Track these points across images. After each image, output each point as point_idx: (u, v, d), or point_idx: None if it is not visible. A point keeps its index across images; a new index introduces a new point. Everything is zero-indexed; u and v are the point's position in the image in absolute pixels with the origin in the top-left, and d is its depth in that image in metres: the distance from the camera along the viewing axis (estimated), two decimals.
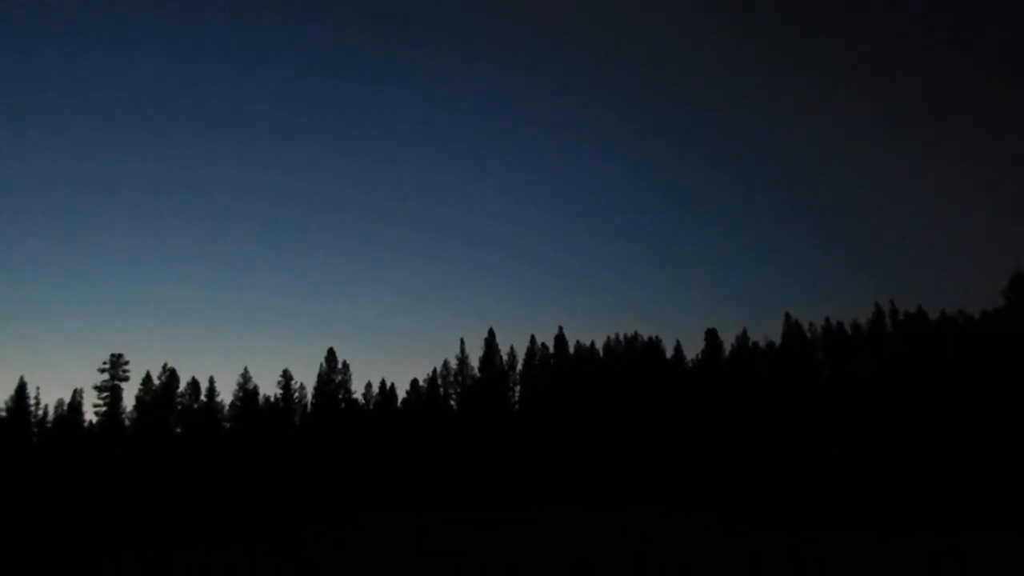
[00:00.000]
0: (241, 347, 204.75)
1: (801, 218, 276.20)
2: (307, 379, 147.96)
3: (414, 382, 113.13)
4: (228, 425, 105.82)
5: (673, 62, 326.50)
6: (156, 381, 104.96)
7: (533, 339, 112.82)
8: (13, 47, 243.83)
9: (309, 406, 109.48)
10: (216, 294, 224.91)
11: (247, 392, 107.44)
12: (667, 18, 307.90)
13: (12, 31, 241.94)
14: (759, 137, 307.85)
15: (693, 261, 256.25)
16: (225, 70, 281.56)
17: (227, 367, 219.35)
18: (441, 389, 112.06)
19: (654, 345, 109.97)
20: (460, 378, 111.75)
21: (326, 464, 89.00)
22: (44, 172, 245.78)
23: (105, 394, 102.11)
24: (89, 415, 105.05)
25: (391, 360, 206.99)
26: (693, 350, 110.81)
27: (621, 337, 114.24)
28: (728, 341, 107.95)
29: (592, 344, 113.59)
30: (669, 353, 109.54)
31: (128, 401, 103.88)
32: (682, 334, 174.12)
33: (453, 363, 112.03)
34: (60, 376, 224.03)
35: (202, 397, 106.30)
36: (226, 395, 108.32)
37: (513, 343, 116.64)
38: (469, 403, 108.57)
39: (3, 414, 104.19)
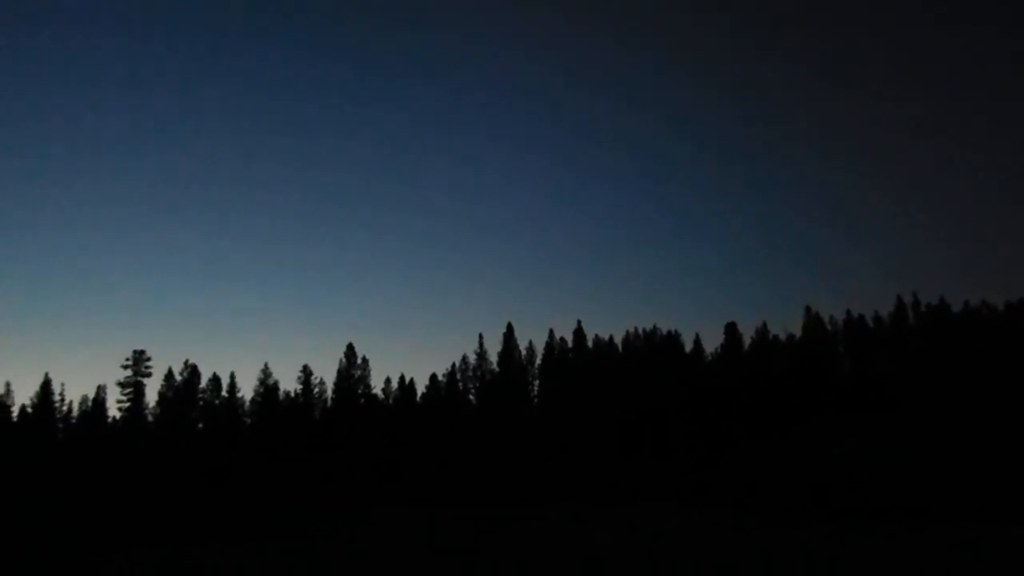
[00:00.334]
0: (261, 343, 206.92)
1: (822, 212, 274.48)
2: (327, 374, 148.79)
3: (433, 377, 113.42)
4: (249, 421, 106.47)
5: (693, 61, 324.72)
6: (178, 377, 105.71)
7: (551, 333, 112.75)
8: (24, 42, 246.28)
9: (329, 401, 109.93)
10: (236, 290, 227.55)
11: (267, 388, 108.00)
12: (689, 17, 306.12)
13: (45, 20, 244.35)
14: (780, 133, 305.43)
15: (713, 255, 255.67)
16: (254, 67, 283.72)
17: (248, 363, 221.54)
18: (460, 384, 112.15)
19: (673, 339, 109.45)
20: (479, 373, 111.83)
21: (343, 460, 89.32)
22: (64, 172, 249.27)
23: (128, 390, 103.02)
24: (113, 411, 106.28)
25: (410, 355, 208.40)
26: (713, 344, 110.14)
27: (640, 331, 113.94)
28: (748, 335, 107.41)
29: (611, 338, 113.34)
30: (688, 347, 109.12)
31: (151, 397, 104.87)
32: (702, 328, 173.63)
33: (472, 358, 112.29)
34: (84, 373, 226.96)
35: (223, 393, 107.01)
36: (247, 390, 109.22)
37: (532, 338, 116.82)
38: (487, 398, 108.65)
39: (29, 410, 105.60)
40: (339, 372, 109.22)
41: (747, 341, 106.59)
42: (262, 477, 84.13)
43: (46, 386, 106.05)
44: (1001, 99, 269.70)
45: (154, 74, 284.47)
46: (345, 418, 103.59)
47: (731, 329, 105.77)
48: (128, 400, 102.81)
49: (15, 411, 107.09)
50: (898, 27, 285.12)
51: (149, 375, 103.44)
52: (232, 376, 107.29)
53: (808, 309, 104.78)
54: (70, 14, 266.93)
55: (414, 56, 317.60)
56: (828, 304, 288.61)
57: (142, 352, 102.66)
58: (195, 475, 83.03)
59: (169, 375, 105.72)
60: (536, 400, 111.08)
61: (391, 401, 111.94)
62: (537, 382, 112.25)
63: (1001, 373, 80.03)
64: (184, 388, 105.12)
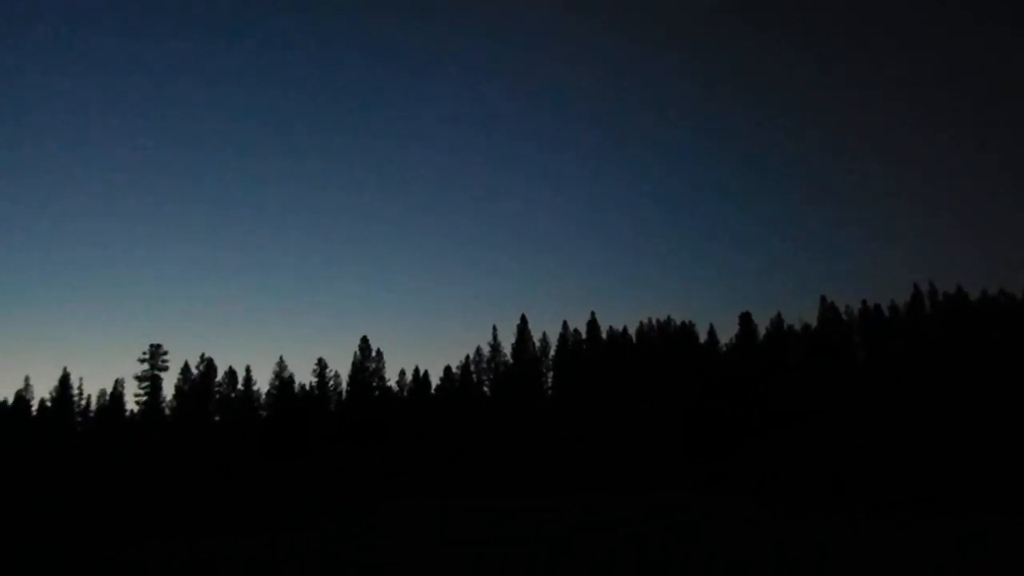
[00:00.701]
0: (277, 336, 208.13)
1: (837, 201, 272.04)
2: (342, 367, 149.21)
3: (447, 369, 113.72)
4: (264, 414, 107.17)
5: (708, 58, 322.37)
6: (194, 371, 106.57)
7: (565, 325, 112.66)
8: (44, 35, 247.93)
9: (344, 394, 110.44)
10: (252, 284, 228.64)
11: (283, 381, 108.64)
12: (705, 17, 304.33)
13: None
14: (795, 124, 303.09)
15: (728, 246, 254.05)
16: (280, 61, 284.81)
17: (263, 356, 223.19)
18: (474, 376, 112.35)
19: (687, 329, 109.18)
20: (493, 365, 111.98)
21: (358, 452, 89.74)
22: (82, 169, 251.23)
23: (145, 384, 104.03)
24: (130, 405, 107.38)
25: (425, 347, 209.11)
26: (728, 335, 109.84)
27: (654, 322, 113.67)
28: (763, 326, 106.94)
29: (624, 329, 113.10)
30: (703, 338, 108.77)
31: (168, 391, 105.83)
32: (716, 318, 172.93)
33: (486, 350, 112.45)
34: (102, 367, 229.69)
35: (239, 386, 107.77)
36: (262, 384, 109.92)
37: (546, 329, 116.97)
38: (502, 390, 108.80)
39: (48, 404, 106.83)
40: (354, 365, 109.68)
41: (762, 332, 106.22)
42: (277, 469, 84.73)
43: (65, 380, 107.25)
44: (1020, 91, 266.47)
45: (175, 68, 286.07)
46: (360, 410, 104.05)
47: (746, 319, 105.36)
48: (145, 394, 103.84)
49: (35, 405, 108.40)
50: (915, 20, 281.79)
51: (166, 369, 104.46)
52: (248, 369, 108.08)
53: (823, 299, 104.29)
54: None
55: (433, 53, 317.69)
56: (844, 294, 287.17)
57: (159, 346, 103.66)
58: (211, 468, 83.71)
59: (185, 369, 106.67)
60: (550, 392, 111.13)
61: (406, 393, 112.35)
62: (551, 374, 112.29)
63: (1019, 362, 79.29)
64: (200, 381, 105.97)
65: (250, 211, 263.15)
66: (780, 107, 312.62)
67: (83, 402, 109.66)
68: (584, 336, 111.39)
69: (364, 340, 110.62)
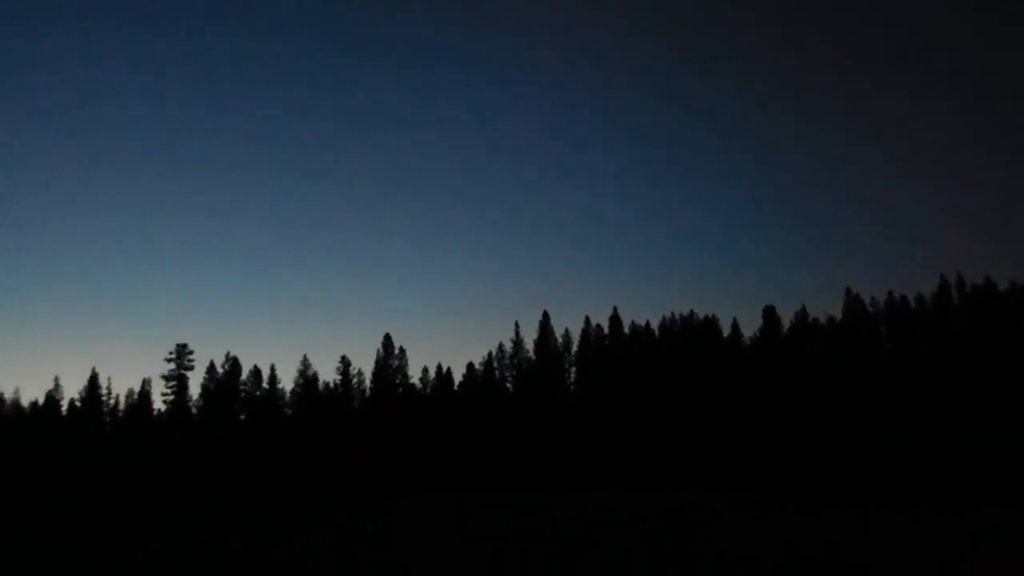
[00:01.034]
0: (301, 334, 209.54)
1: (862, 192, 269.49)
2: (365, 365, 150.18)
3: (470, 366, 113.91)
4: (289, 412, 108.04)
5: (730, 56, 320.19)
6: (220, 370, 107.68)
7: (587, 320, 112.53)
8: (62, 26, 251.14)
9: (367, 391, 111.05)
10: (275, 283, 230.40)
11: (307, 379, 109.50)
12: (716, 13, 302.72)
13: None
14: (817, 114, 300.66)
15: (750, 237, 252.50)
16: (304, 59, 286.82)
17: (287, 355, 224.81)
18: (496, 372, 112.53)
19: (710, 323, 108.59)
20: (515, 361, 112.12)
21: (379, 449, 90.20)
22: (107, 171, 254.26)
23: (172, 383, 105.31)
24: (158, 404, 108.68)
25: (447, 344, 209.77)
26: (751, 328, 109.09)
27: (677, 316, 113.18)
28: (787, 318, 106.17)
29: (647, 324, 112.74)
30: (726, 332, 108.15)
31: (194, 390, 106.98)
32: (740, 312, 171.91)
33: (508, 346, 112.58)
34: (130, 367, 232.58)
35: (264, 384, 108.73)
36: (287, 382, 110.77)
37: (568, 325, 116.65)
38: (524, 386, 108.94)
39: (78, 404, 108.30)
40: (377, 362, 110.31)
41: (786, 325, 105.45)
42: (298, 467, 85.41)
43: (93, 380, 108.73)
44: None
45: (199, 64, 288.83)
46: (383, 408, 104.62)
47: (769, 313, 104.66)
48: (172, 393, 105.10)
49: (65, 405, 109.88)
50: (946, 16, 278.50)
51: (192, 368, 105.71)
52: (272, 368, 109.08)
53: (848, 291, 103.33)
54: None
55: (457, 49, 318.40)
56: (869, 287, 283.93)
57: (184, 346, 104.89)
58: (234, 466, 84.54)
59: (211, 368, 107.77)
60: (573, 387, 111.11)
61: (429, 390, 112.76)
62: (574, 369, 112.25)
63: None
64: (226, 380, 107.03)
65: (274, 210, 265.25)
66: (804, 103, 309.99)
67: (111, 402, 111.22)
68: (606, 331, 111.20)
69: (387, 337, 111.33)
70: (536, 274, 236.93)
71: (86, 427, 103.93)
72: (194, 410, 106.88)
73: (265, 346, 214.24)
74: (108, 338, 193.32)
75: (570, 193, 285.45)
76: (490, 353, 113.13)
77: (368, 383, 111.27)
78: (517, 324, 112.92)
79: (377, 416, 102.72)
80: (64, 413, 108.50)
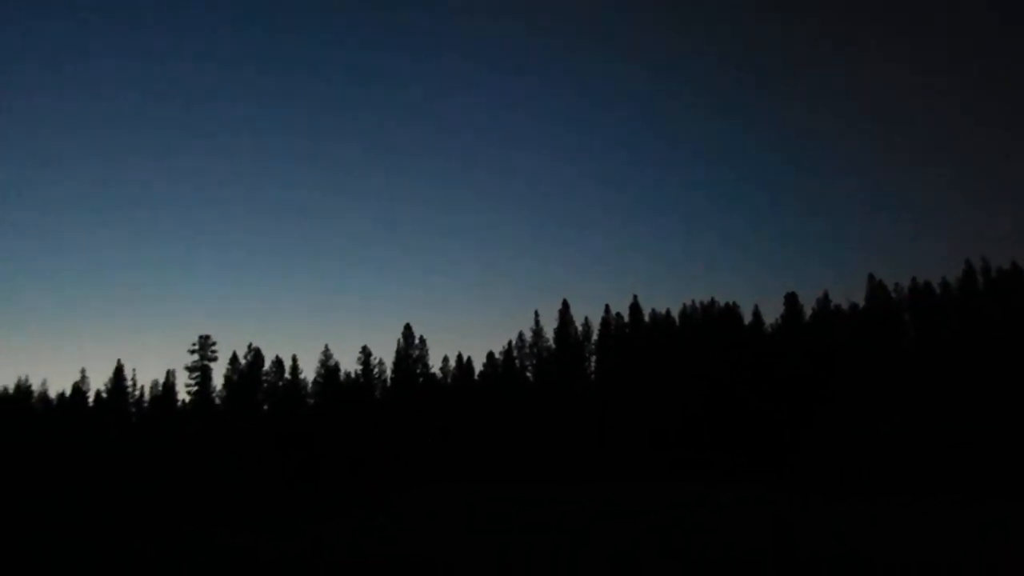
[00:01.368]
0: (322, 325, 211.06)
1: (885, 177, 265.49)
2: (386, 355, 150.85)
3: (490, 355, 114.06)
4: (311, 402, 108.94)
5: (742, 40, 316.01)
6: (242, 361, 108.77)
7: (607, 309, 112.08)
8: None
9: (388, 381, 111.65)
10: (296, 274, 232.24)
11: (328, 369, 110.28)
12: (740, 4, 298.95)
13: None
14: (838, 97, 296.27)
15: (772, 224, 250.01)
16: (325, 51, 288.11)
17: (309, 345, 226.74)
18: (516, 361, 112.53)
19: (731, 311, 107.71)
20: (535, 350, 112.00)
21: (402, 439, 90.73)
22: (129, 165, 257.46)
23: (196, 374, 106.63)
24: (182, 394, 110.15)
25: (467, 333, 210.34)
26: (772, 315, 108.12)
27: (697, 304, 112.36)
28: (809, 306, 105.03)
29: (667, 312, 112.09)
30: (747, 319, 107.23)
31: (217, 380, 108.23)
32: (761, 299, 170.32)
33: (528, 335, 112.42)
34: (155, 358, 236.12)
35: (286, 375, 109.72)
36: (309, 372, 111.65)
37: (588, 314, 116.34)
38: (545, 375, 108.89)
39: (104, 395, 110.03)
40: (397, 353, 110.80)
41: (808, 312, 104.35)
42: (320, 458, 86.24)
43: (119, 372, 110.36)
44: None
45: (224, 55, 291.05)
46: (404, 398, 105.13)
47: (791, 299, 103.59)
48: (196, 384, 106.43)
49: (91, 396, 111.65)
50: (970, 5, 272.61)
51: (215, 359, 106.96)
52: (294, 359, 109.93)
53: (871, 277, 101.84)
54: None
55: (473, 40, 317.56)
56: (893, 273, 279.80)
57: (207, 337, 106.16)
58: (257, 456, 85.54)
59: (234, 359, 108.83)
60: (593, 376, 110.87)
61: (449, 380, 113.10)
62: (594, 358, 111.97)
63: None
64: (248, 371, 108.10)
65: (295, 202, 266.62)
66: (824, 90, 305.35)
67: (136, 393, 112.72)
68: (627, 320, 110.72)
69: (407, 328, 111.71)
70: (556, 263, 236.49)
71: (111, 418, 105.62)
72: (217, 401, 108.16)
73: (287, 337, 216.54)
74: (133, 330, 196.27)
75: (590, 182, 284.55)
76: (510, 342, 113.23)
77: (389, 373, 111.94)
78: (537, 313, 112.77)
79: (398, 406, 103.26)
80: (90, 404, 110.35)
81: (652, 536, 39.86)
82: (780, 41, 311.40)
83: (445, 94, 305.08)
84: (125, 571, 36.88)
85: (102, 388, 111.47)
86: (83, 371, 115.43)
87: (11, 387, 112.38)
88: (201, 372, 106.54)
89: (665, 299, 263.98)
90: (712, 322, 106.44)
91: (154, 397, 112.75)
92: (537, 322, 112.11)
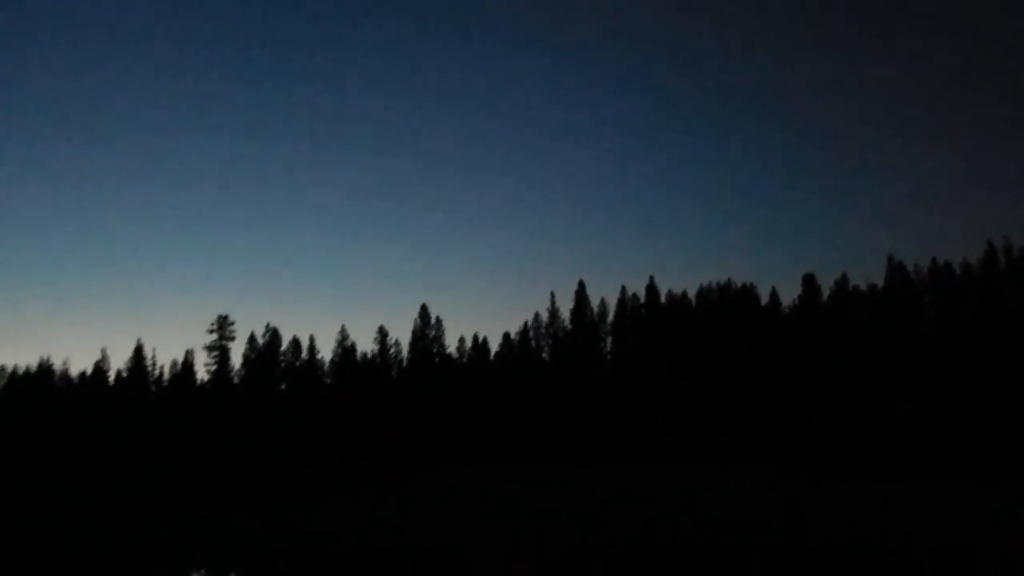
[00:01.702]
0: (339, 305, 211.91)
1: (905, 159, 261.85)
2: (402, 335, 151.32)
3: (506, 335, 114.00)
4: (328, 381, 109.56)
5: (758, 21, 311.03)
6: (260, 340, 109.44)
7: (623, 290, 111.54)
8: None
9: (405, 361, 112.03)
10: (313, 255, 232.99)
11: (345, 349, 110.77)
12: None
13: None
14: (855, 78, 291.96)
15: (790, 205, 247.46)
16: (348, 33, 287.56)
17: (326, 325, 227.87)
18: (533, 342, 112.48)
19: (748, 292, 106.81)
20: (551, 331, 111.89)
21: (416, 420, 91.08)
22: (149, 147, 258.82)
23: (214, 353, 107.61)
24: (201, 374, 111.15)
25: (484, 314, 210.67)
26: (790, 296, 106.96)
27: (714, 284, 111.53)
28: (827, 286, 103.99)
29: (684, 293, 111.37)
30: (764, 300, 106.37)
31: (235, 360, 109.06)
32: (779, 280, 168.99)
33: (544, 316, 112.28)
34: (174, 338, 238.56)
35: (303, 355, 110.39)
36: (326, 352, 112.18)
37: (604, 294, 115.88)
38: (561, 356, 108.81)
39: (124, 375, 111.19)
40: (414, 333, 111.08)
41: (826, 293, 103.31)
42: (336, 438, 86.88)
43: (139, 351, 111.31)
44: None
45: (238, 33, 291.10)
46: (420, 378, 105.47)
47: (809, 280, 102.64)
48: (215, 363, 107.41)
49: (112, 376, 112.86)
50: None
51: (233, 339, 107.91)
52: (311, 339, 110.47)
53: (890, 258, 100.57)
54: None
55: (487, 16, 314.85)
56: (913, 254, 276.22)
57: (226, 317, 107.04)
58: (273, 437, 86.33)
59: (252, 339, 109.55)
60: (609, 357, 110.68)
61: (465, 360, 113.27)
62: (610, 339, 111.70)
63: None
64: (266, 351, 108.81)
65: (311, 183, 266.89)
66: (841, 69, 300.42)
67: (156, 372, 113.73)
68: (643, 301, 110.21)
69: (423, 308, 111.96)
70: (572, 244, 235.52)
71: (132, 396, 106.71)
72: (236, 380, 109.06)
73: (304, 317, 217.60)
74: (152, 310, 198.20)
75: (606, 164, 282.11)
76: (526, 323, 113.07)
77: (405, 354, 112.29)
78: (553, 294, 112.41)
79: (414, 387, 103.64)
80: (111, 383, 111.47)
81: (664, 521, 39.91)
82: (797, 24, 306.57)
83: (459, 75, 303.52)
84: (139, 554, 37.44)
85: (122, 367, 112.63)
86: (104, 350, 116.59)
87: (33, 366, 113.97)
88: (219, 352, 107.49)
89: (682, 281, 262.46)
90: (729, 303, 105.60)
91: (173, 376, 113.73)
92: (553, 303, 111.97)
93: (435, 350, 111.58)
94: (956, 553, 27.56)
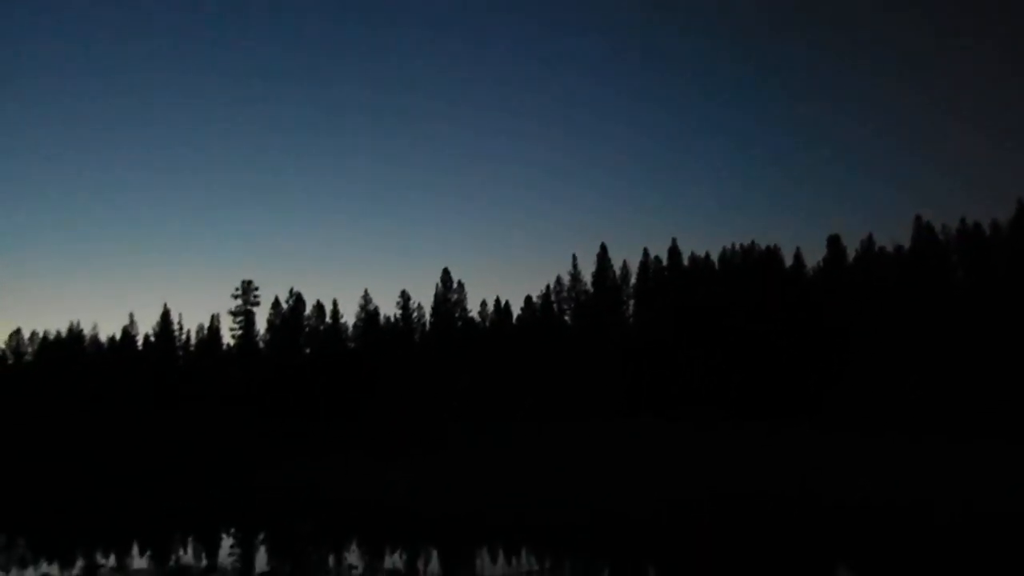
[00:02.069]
0: (361, 269, 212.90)
1: (931, 112, 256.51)
2: (425, 299, 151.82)
3: (528, 299, 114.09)
4: (352, 345, 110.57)
5: None
6: (284, 305, 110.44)
7: (646, 252, 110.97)
8: None
9: (427, 325, 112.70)
10: (335, 219, 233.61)
11: (368, 313, 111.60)
12: None
13: None
14: (879, 41, 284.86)
15: (814, 166, 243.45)
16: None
17: (349, 290, 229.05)
18: (554, 305, 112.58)
19: (772, 254, 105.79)
20: (573, 294, 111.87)
21: (438, 384, 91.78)
22: (172, 113, 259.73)
23: (239, 318, 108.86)
24: (227, 338, 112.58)
25: (505, 278, 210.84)
26: (814, 258, 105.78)
27: (737, 247, 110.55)
28: (852, 247, 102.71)
29: (707, 255, 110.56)
30: (788, 262, 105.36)
31: (260, 324, 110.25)
32: (803, 243, 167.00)
33: (566, 279, 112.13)
34: (199, 303, 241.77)
35: (327, 319, 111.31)
36: (349, 316, 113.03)
37: (626, 257, 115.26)
38: (582, 318, 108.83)
39: (152, 339, 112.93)
40: (436, 296, 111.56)
41: (852, 255, 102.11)
42: (364, 398, 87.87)
43: (166, 316, 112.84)
44: None
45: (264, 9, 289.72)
46: (443, 342, 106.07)
47: (834, 241, 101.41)
48: (240, 328, 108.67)
49: (140, 340, 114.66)
50: None
51: (258, 304, 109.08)
52: (335, 303, 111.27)
53: (918, 218, 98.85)
54: None
55: None
56: (940, 215, 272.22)
57: (250, 282, 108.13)
58: (302, 397, 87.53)
59: (276, 303, 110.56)
60: (631, 320, 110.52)
61: (487, 324, 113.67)
62: (632, 302, 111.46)
63: None
64: (290, 315, 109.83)
65: (333, 148, 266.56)
66: (868, 34, 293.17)
67: (183, 337, 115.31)
68: (665, 264, 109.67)
69: (445, 272, 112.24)
70: (594, 206, 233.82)
71: (160, 360, 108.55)
72: (261, 344, 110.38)
73: (327, 281, 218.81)
74: (178, 275, 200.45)
75: (627, 125, 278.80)
76: (548, 286, 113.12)
77: (428, 317, 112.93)
78: (575, 257, 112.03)
79: (437, 350, 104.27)
80: (139, 348, 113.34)
81: (680, 489, 40.11)
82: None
83: (477, 39, 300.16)
84: (165, 515, 38.26)
85: (150, 332, 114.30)
86: (131, 315, 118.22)
87: (63, 331, 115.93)
88: (244, 317, 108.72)
89: (705, 243, 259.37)
90: (752, 265, 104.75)
91: (200, 341, 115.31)
92: (575, 266, 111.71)
93: (457, 314, 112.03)
94: (985, 518, 27.36)
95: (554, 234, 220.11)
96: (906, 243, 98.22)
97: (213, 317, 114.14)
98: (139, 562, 25.64)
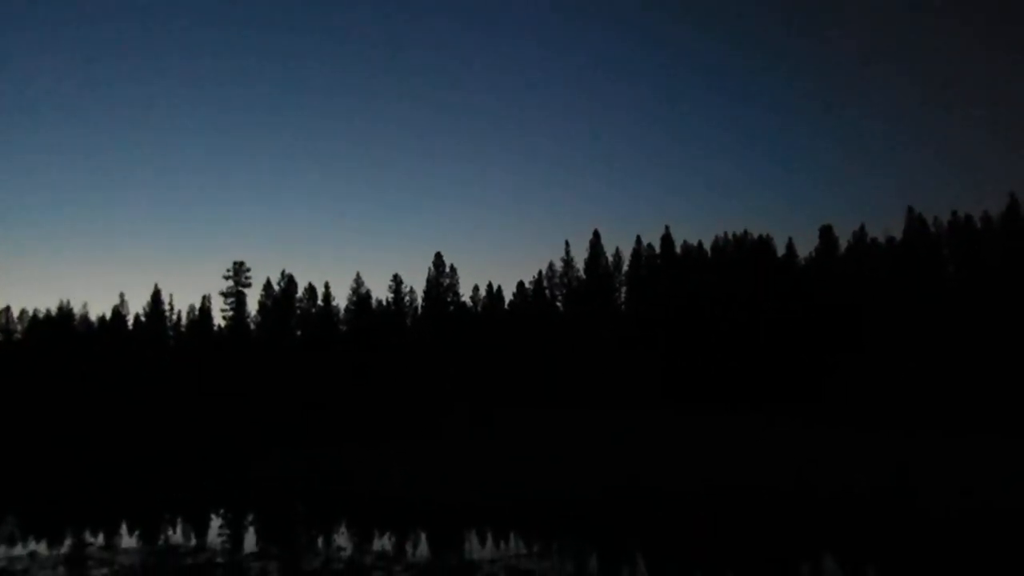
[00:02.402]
0: (353, 253, 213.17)
1: (924, 105, 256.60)
2: (417, 283, 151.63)
3: (520, 284, 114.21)
4: (344, 328, 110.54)
5: None
6: (276, 287, 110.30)
7: (639, 239, 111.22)
8: None
9: (419, 309, 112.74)
10: (327, 202, 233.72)
11: (360, 296, 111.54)
12: None
13: None
14: (874, 30, 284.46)
15: (808, 156, 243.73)
16: None
17: (341, 272, 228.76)
18: (547, 291, 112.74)
19: (764, 243, 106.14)
20: (565, 280, 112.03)
21: (430, 368, 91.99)
22: (169, 95, 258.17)
23: (231, 299, 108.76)
24: (218, 320, 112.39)
25: (498, 263, 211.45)
26: (807, 248, 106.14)
27: (730, 235, 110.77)
28: (845, 238, 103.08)
29: (700, 244, 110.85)
30: (781, 252, 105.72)
31: (251, 306, 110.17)
32: (796, 233, 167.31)
33: (558, 265, 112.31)
34: (190, 284, 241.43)
35: (319, 302, 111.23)
36: (340, 299, 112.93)
37: (619, 244, 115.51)
38: (574, 305, 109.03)
39: (143, 319, 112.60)
40: (428, 281, 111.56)
41: (844, 245, 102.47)
42: (356, 382, 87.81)
43: (156, 296, 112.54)
44: None
45: None
46: (435, 326, 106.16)
47: (826, 232, 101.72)
48: (231, 309, 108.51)
49: (131, 320, 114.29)
50: None
51: (249, 285, 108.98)
52: (327, 285, 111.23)
53: (910, 210, 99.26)
54: None
55: None
56: (934, 207, 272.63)
57: (242, 263, 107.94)
58: (294, 381, 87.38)
59: (268, 285, 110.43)
60: (623, 307, 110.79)
61: (479, 308, 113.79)
62: (624, 289, 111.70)
63: None
64: (282, 297, 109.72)
65: (326, 130, 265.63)
66: (863, 23, 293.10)
67: (174, 317, 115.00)
68: (658, 251, 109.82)
69: (438, 256, 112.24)
70: (587, 193, 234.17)
71: (150, 340, 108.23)
72: (252, 326, 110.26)
73: (319, 264, 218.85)
74: (169, 255, 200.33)
75: (621, 111, 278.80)
76: (540, 272, 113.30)
77: (420, 301, 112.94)
78: (567, 243, 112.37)
79: (429, 334, 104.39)
80: (130, 328, 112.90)
81: (678, 467, 40.27)
82: None
83: (472, 25, 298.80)
84: (156, 495, 38.25)
85: (141, 312, 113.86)
86: (122, 295, 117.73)
87: (53, 310, 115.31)
88: (236, 298, 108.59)
89: (698, 232, 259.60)
90: (745, 255, 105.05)
91: (191, 322, 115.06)
92: (568, 252, 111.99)
93: (449, 298, 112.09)
94: (979, 511, 27.46)
95: (547, 220, 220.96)
96: (898, 234, 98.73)
97: (204, 298, 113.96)
98: (128, 541, 25.62)
